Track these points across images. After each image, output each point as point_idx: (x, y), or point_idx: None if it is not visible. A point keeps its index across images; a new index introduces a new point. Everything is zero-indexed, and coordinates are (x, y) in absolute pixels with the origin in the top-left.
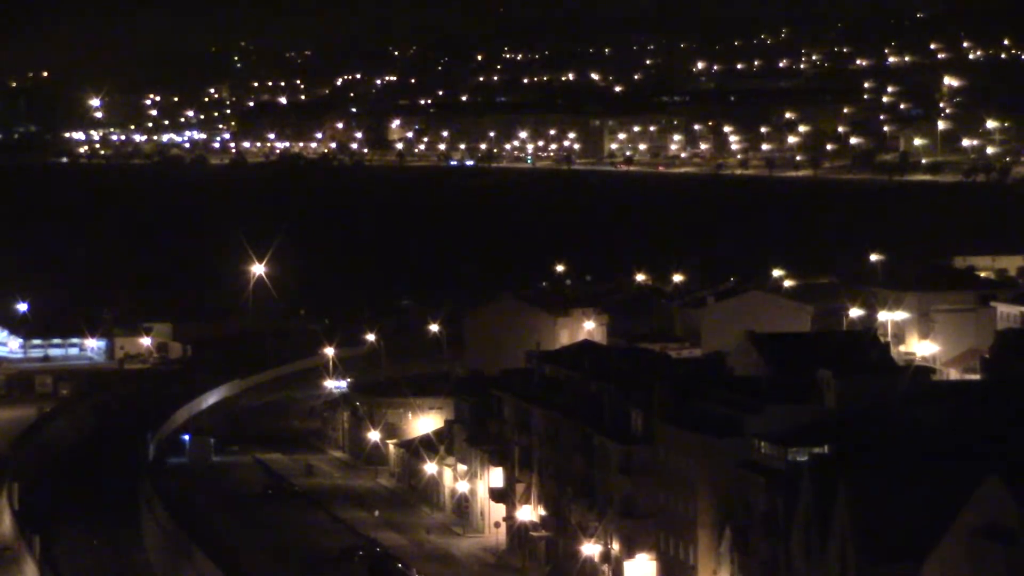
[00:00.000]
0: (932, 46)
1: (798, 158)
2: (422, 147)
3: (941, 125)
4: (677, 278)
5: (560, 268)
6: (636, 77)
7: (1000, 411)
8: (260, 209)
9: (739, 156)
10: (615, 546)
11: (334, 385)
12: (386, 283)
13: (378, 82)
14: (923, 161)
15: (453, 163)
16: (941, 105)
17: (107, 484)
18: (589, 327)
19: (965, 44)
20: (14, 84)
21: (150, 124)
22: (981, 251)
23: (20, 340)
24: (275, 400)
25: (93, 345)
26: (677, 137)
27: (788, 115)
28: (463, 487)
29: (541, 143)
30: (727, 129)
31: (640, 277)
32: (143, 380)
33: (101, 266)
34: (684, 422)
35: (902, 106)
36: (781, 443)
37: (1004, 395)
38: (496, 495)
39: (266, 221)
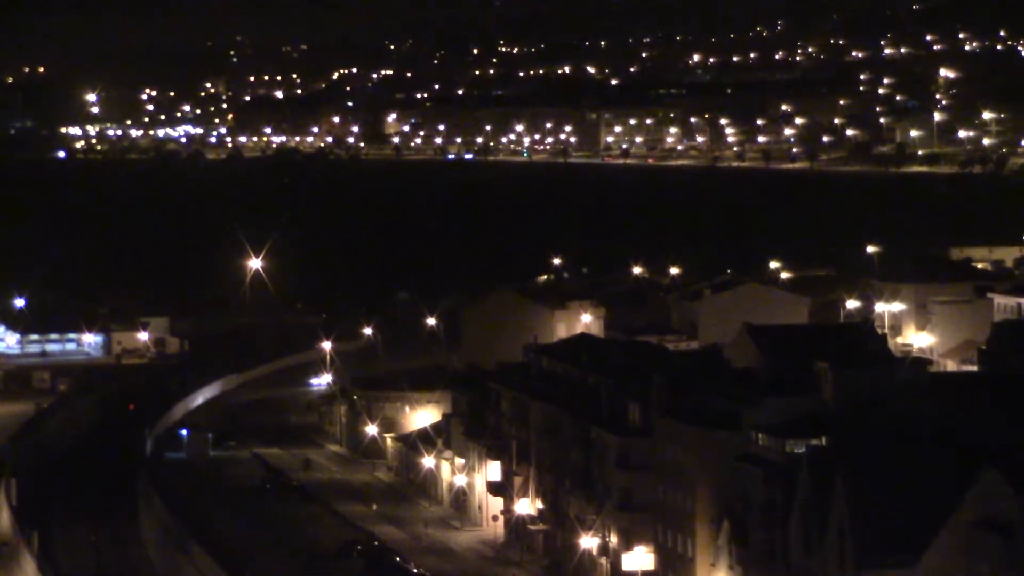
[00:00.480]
0: (928, 37)
1: (794, 150)
2: (418, 141)
3: (937, 116)
4: (674, 270)
5: (557, 261)
6: (632, 70)
7: (997, 402)
8: (257, 203)
9: (735, 148)
10: (613, 539)
11: (315, 383)
12: (383, 277)
13: (374, 76)
14: (919, 153)
15: (451, 157)
16: (937, 96)
17: (105, 479)
18: (586, 320)
19: (961, 35)
20: (10, 79)
21: (146, 119)
22: (978, 242)
23: (17, 336)
24: (262, 397)
25: (90, 340)
26: (673, 130)
27: (784, 107)
28: (461, 481)
29: (537, 136)
30: (723, 121)
31: (637, 270)
32: (140, 375)
33: (98, 261)
34: (682, 415)
35: (898, 98)
36: (779, 435)
37: (1001, 386)
38: (494, 488)
39: (263, 215)
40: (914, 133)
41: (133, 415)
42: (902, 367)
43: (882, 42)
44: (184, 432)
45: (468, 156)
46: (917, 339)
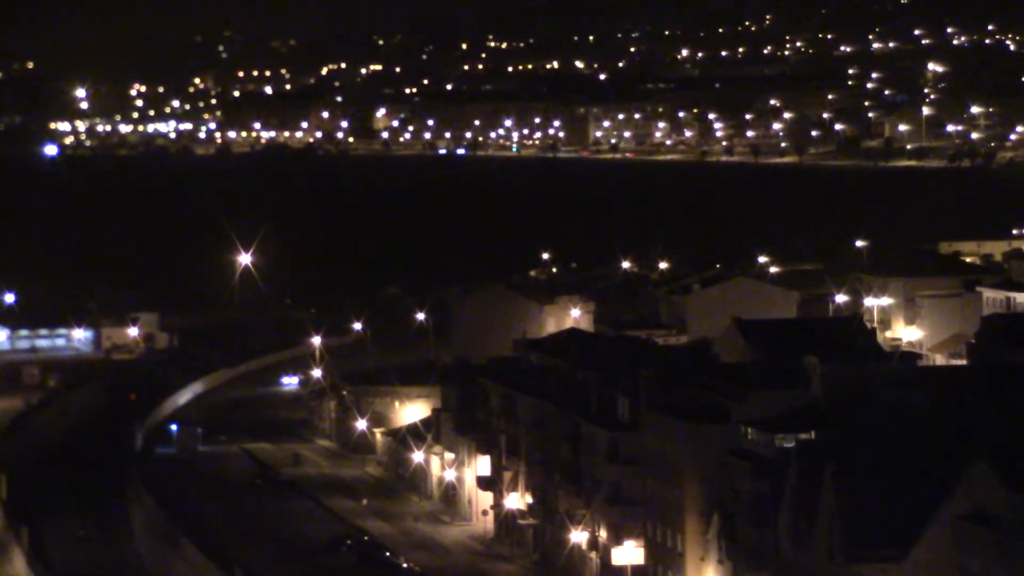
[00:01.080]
0: (916, 32)
1: (783, 144)
2: (407, 136)
3: (926, 111)
4: (663, 265)
5: (546, 256)
6: (621, 64)
7: (986, 396)
8: (246, 199)
9: (724, 143)
10: (602, 533)
11: (286, 381)
12: (373, 272)
13: (363, 71)
14: (908, 147)
15: (441, 152)
16: (925, 91)
17: (95, 475)
18: (575, 315)
19: (949, 29)
20: None
21: (135, 114)
22: (966, 236)
23: (7, 331)
24: (251, 393)
25: (80, 336)
26: (662, 124)
27: (773, 101)
28: (450, 475)
29: (526, 131)
30: (712, 116)
31: (626, 264)
32: (130, 370)
33: (87, 256)
34: (671, 409)
35: (886, 92)
36: (768, 429)
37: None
38: (483, 483)
39: (252, 211)
40: (902, 127)
41: (132, 406)
42: (891, 361)
43: (870, 36)
44: (174, 427)
45: (460, 151)
46: (906, 333)
